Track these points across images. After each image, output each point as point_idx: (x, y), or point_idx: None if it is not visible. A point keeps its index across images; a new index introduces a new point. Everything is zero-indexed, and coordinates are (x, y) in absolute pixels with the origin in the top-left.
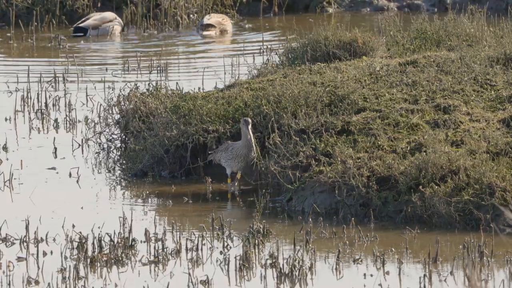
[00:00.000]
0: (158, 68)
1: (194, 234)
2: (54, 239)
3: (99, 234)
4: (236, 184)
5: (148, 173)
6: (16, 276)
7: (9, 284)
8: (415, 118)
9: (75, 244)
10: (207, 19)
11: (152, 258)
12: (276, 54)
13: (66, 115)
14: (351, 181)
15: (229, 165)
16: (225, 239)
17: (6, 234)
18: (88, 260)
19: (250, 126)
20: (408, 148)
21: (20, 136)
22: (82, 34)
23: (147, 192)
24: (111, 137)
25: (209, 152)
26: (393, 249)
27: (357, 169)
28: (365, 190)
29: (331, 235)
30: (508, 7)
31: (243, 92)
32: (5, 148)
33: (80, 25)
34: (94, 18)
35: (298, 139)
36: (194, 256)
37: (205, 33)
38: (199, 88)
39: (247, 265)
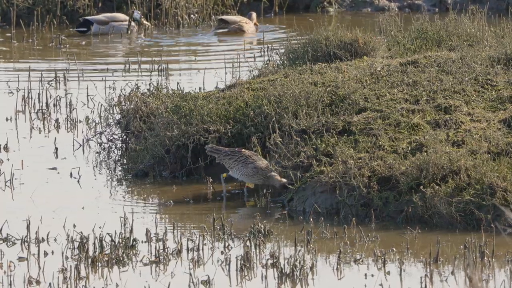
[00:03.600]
0: (159, 68)
1: (195, 234)
2: (55, 239)
3: (100, 234)
4: (245, 190)
5: (149, 173)
6: (17, 276)
7: (10, 284)
8: (416, 118)
9: (76, 244)
10: (224, 16)
11: (153, 258)
12: (277, 54)
13: (67, 115)
14: (352, 181)
15: (241, 178)
16: (226, 239)
17: (7, 234)
18: (89, 260)
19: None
20: (409, 148)
21: (21, 136)
22: (85, 29)
23: (148, 192)
24: (112, 137)
25: (214, 149)
26: (394, 249)
27: (358, 169)
28: (366, 190)
29: (332, 235)
30: (508, 7)
31: (244, 92)
32: (6, 148)
33: (88, 18)
34: (104, 15)
35: (299, 139)
36: (195, 256)
37: (217, 30)
38: (200, 88)
39: (248, 265)
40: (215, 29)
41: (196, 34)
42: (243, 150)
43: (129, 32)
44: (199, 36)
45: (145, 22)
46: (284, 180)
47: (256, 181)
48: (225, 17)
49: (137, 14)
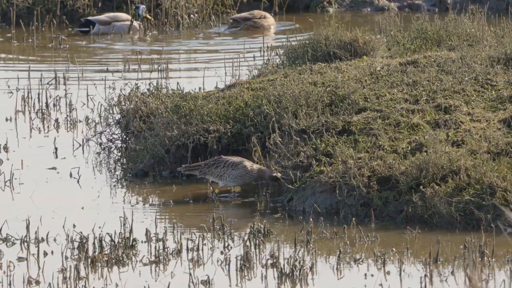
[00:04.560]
0: (159, 68)
1: (194, 234)
2: (54, 239)
3: (99, 234)
4: (233, 195)
5: (149, 173)
6: (16, 276)
7: (9, 284)
8: (416, 118)
9: (76, 244)
10: (236, 15)
11: (153, 258)
12: (277, 54)
13: (67, 115)
14: (352, 181)
15: (236, 181)
16: (226, 239)
17: (7, 234)
18: (89, 260)
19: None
20: (409, 148)
21: (21, 136)
22: (87, 29)
23: (148, 192)
24: (111, 137)
25: (190, 167)
26: (394, 249)
27: (357, 169)
28: (365, 190)
29: (332, 235)
30: (508, 7)
31: (243, 92)
32: (5, 148)
33: (90, 18)
34: (107, 15)
35: (298, 139)
36: (195, 256)
37: (230, 30)
38: (199, 88)
39: (248, 265)
40: (228, 28)
41: (199, 33)
42: (222, 156)
43: (130, 31)
44: (202, 35)
45: (148, 17)
46: (275, 172)
47: (247, 180)
48: (235, 16)
49: (142, 8)
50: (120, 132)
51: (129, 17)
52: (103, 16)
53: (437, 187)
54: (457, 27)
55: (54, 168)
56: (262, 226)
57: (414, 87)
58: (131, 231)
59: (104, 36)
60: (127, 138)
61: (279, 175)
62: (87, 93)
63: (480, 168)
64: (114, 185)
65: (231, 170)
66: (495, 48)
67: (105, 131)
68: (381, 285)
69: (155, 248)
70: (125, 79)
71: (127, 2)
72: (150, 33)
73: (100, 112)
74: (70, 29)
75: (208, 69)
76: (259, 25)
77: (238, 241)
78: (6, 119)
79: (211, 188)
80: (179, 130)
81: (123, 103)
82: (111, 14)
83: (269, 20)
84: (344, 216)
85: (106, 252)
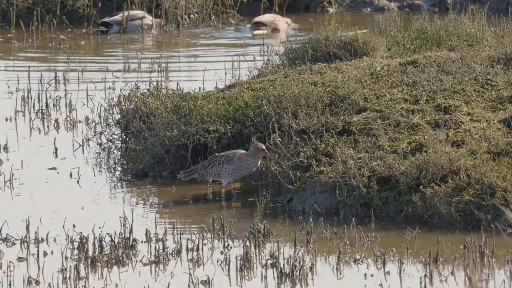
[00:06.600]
0: (159, 68)
1: (194, 234)
2: (54, 239)
3: (99, 234)
4: (235, 194)
5: (149, 173)
6: (16, 276)
7: (9, 284)
8: (416, 118)
9: (76, 244)
10: (258, 18)
11: (152, 258)
12: (277, 54)
13: (67, 115)
14: (352, 181)
15: (233, 176)
16: (226, 239)
17: (7, 234)
18: (89, 260)
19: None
20: (409, 148)
21: (21, 136)
22: (106, 29)
23: (148, 192)
24: (111, 137)
25: (188, 171)
26: (393, 249)
27: (357, 169)
28: (365, 190)
29: (331, 235)
30: (508, 7)
31: (243, 92)
32: (5, 148)
33: (106, 20)
34: (121, 15)
35: (298, 139)
36: (194, 256)
37: (255, 32)
38: (199, 88)
39: (247, 265)
40: (252, 31)
41: (205, 33)
42: (216, 154)
43: (152, 29)
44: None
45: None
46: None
47: (245, 171)
48: (259, 19)
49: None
50: (120, 132)
51: (142, 13)
52: (118, 17)
53: (437, 187)
54: (457, 27)
55: (54, 168)
56: (262, 226)
57: (414, 87)
58: (131, 231)
59: (103, 36)
60: (127, 138)
61: (268, 154)
62: (87, 93)
63: (480, 168)
64: (114, 185)
65: (227, 165)
66: (495, 48)
67: (105, 131)
68: (381, 285)
69: (155, 248)
70: (125, 79)
71: (127, 2)
72: (154, 32)
73: (100, 112)
74: (68, 28)
75: (207, 66)
76: (279, 27)
77: (238, 241)
78: (6, 119)
79: (211, 188)
80: (179, 131)
81: (123, 103)
82: (125, 14)
83: (283, 23)
84: (344, 216)
85: (106, 252)
